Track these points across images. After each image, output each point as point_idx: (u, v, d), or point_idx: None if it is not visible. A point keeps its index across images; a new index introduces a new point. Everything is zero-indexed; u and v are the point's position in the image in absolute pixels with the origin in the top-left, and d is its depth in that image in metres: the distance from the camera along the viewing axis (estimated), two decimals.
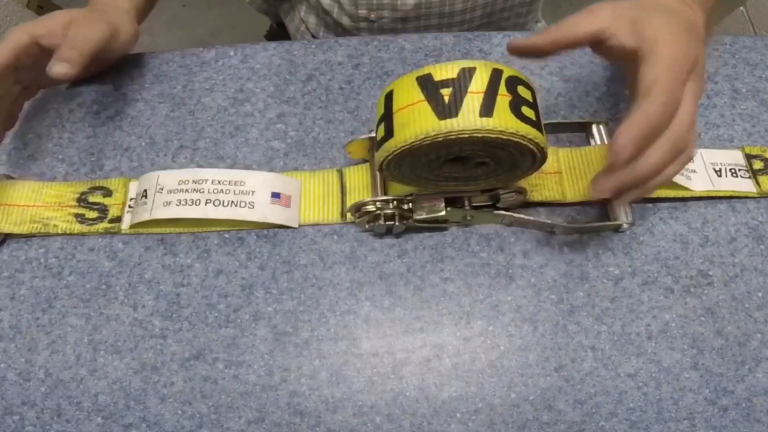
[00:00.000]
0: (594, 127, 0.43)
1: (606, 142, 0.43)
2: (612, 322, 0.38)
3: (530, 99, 0.31)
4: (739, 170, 0.42)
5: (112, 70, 0.49)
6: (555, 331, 0.38)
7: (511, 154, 0.32)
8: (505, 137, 0.29)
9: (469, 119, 0.29)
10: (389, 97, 0.32)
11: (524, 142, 0.30)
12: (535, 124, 0.31)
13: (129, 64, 0.49)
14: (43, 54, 0.41)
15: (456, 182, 0.36)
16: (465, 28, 0.60)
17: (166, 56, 0.49)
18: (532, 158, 0.33)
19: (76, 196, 0.42)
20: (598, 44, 0.34)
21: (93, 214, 0.42)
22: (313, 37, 0.65)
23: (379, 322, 0.38)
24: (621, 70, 0.40)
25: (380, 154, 0.32)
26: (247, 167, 0.44)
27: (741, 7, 1.13)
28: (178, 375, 0.37)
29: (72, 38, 0.40)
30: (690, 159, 0.35)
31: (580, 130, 0.44)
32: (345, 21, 0.60)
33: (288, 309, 0.39)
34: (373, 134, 0.39)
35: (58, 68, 0.38)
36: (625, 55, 0.33)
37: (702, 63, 0.34)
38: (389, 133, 0.31)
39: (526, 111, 0.30)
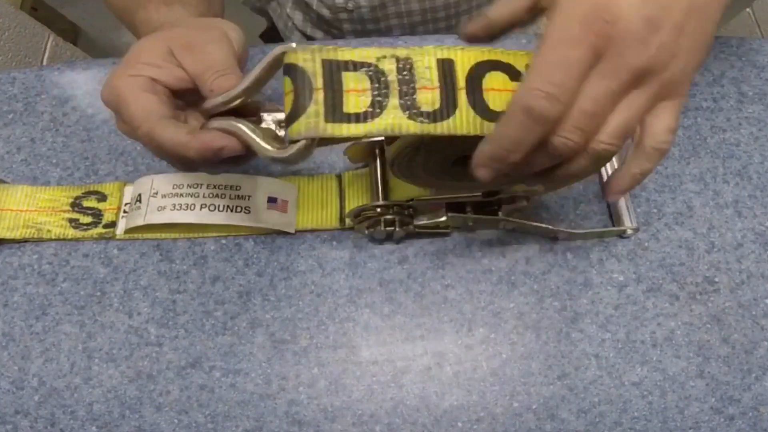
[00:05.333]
0: None
1: None
2: (616, 330, 0.37)
3: None
4: None
5: (107, 72, 0.48)
6: (558, 339, 0.37)
7: None
8: None
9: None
10: None
11: None
12: None
13: None
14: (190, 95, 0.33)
15: (463, 182, 0.35)
16: (452, 12, 0.59)
17: None
18: None
19: (70, 200, 0.42)
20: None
21: (87, 219, 0.41)
22: (302, 34, 0.64)
23: (379, 329, 0.38)
24: None
25: (395, 147, 0.31)
26: (245, 172, 0.43)
27: (748, 9, 1.12)
28: (174, 383, 0.37)
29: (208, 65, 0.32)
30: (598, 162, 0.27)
31: None
32: (325, 12, 0.59)
33: (286, 316, 0.38)
34: (374, 138, 0.38)
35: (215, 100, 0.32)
36: None
37: (635, 42, 0.24)
38: None
39: None
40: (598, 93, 0.24)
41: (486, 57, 0.27)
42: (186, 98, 0.33)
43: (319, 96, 0.26)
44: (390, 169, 0.33)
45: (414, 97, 0.26)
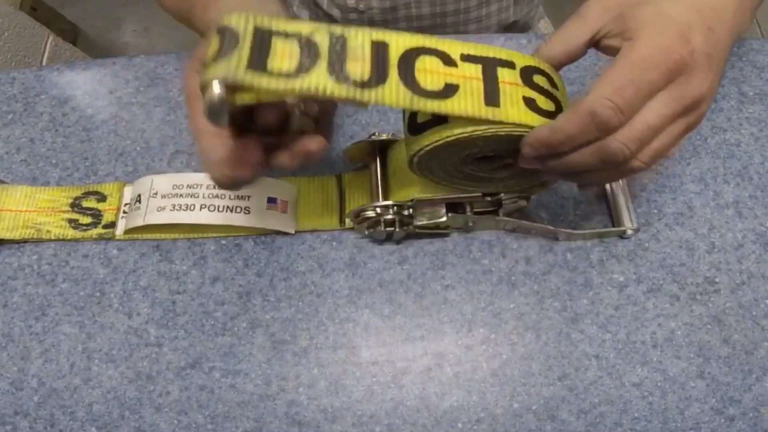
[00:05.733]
0: None
1: None
2: (616, 330, 0.37)
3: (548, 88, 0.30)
4: None
5: (107, 73, 0.48)
6: (558, 340, 0.37)
7: None
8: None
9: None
10: None
11: None
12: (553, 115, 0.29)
13: (124, 67, 0.48)
14: None
15: (477, 182, 0.35)
16: (461, 19, 0.59)
17: (162, 59, 0.49)
18: None
19: (70, 201, 0.41)
20: (597, 48, 0.32)
21: (87, 220, 0.41)
22: None
23: (379, 330, 0.38)
24: None
25: (425, 139, 0.30)
26: None
27: None
28: (173, 384, 0.37)
29: None
30: (628, 174, 0.30)
31: None
32: (335, 12, 0.59)
33: (286, 317, 0.38)
34: (374, 138, 0.38)
35: None
36: None
37: (701, 75, 0.27)
38: (441, 118, 0.29)
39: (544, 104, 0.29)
40: (663, 112, 0.27)
41: (420, 43, 0.27)
42: None
43: (245, 50, 0.25)
44: (409, 161, 0.33)
45: (344, 66, 0.26)
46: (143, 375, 0.37)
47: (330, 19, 0.61)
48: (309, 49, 0.26)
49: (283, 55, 0.25)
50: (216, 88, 0.25)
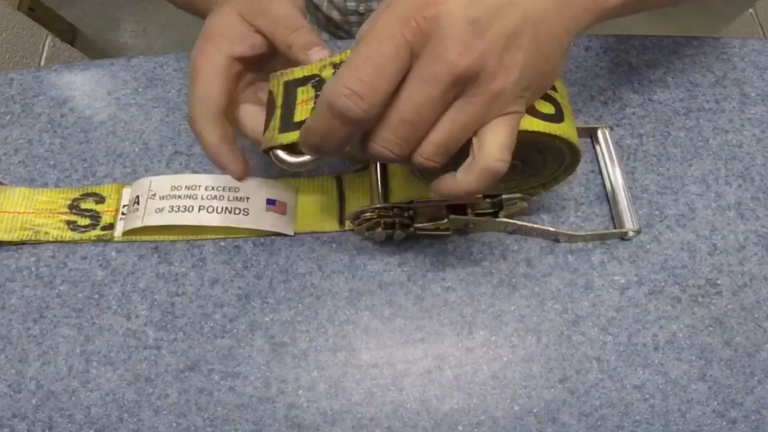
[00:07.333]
0: (599, 132, 0.42)
1: (612, 148, 0.42)
2: (618, 333, 0.37)
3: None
4: None
5: (105, 73, 0.48)
6: (559, 342, 0.37)
7: (541, 153, 0.32)
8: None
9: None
10: None
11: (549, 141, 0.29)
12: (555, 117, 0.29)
13: (122, 68, 0.48)
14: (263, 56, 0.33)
15: None
16: None
17: (160, 59, 0.49)
18: (560, 157, 0.32)
19: (68, 202, 0.41)
20: None
21: (85, 222, 0.41)
22: None
23: (379, 332, 0.38)
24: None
25: None
26: None
27: (750, 10, 1.12)
28: (172, 387, 0.36)
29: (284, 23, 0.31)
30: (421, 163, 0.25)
31: (586, 136, 0.43)
32: (335, 15, 0.59)
33: (285, 319, 0.38)
34: None
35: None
36: None
37: (455, 44, 0.22)
38: None
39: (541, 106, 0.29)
40: (418, 99, 0.23)
41: None
42: (258, 66, 0.34)
43: (278, 113, 0.30)
44: (412, 168, 0.33)
45: None
46: (142, 377, 0.37)
47: (329, 22, 0.61)
48: (320, 88, 0.29)
49: (304, 103, 0.29)
50: (279, 154, 0.29)
